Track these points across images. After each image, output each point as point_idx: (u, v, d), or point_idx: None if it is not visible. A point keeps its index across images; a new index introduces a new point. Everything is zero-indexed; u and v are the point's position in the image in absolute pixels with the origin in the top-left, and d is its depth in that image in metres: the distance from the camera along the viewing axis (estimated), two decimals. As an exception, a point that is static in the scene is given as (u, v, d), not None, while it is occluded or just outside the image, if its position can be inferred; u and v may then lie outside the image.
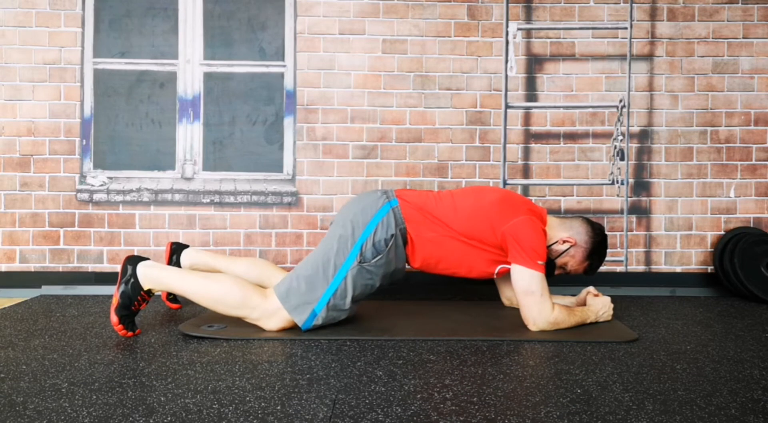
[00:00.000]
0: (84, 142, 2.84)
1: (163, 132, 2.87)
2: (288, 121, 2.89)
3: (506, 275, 2.16)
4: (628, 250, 2.90)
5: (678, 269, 2.90)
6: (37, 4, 2.82)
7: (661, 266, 2.90)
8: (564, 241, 2.14)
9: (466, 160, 2.89)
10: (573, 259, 2.16)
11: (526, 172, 2.90)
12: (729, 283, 2.76)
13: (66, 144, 2.83)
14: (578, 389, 1.49)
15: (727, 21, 2.89)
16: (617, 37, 2.89)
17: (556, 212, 2.87)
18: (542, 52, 2.90)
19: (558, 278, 2.22)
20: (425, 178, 2.89)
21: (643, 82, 2.90)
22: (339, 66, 2.88)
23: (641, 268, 2.90)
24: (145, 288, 1.93)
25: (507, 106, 2.89)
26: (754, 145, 2.90)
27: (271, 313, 1.97)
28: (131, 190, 2.84)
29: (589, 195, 2.90)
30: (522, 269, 1.99)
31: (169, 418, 1.28)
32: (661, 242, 2.90)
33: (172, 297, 2.39)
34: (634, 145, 2.90)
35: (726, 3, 2.88)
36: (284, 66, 2.89)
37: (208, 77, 2.88)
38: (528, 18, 2.89)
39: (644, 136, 2.90)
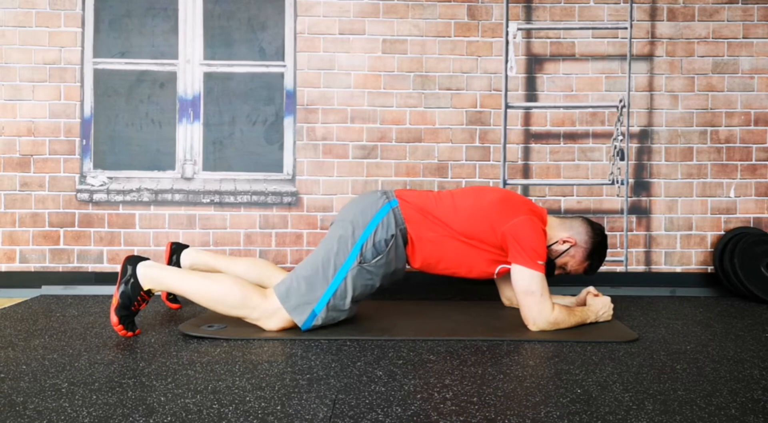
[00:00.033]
0: (84, 142, 2.84)
1: (163, 132, 2.87)
2: (288, 121, 2.89)
3: (506, 275, 2.16)
4: (628, 250, 2.90)
5: (678, 269, 2.90)
6: (37, 4, 2.82)
7: (661, 266, 2.90)
8: (564, 241, 2.14)
9: (466, 160, 2.89)
10: (573, 259, 2.16)
11: (526, 172, 2.90)
12: (729, 283, 2.76)
13: (66, 144, 2.83)
14: (578, 389, 1.49)
15: (727, 21, 2.89)
16: (617, 37, 2.89)
17: (556, 212, 2.87)
18: (542, 52, 2.90)
19: (558, 278, 2.22)
20: (425, 178, 2.89)
21: (643, 82, 2.90)
22: (339, 66, 2.88)
23: (641, 268, 2.90)
24: (145, 288, 1.93)
25: (507, 106, 2.89)
26: (754, 145, 2.90)
27: (271, 313, 1.97)
28: (131, 190, 2.85)
29: (589, 195, 2.90)
30: (522, 269, 1.99)
31: (169, 418, 1.28)
32: (661, 242, 2.90)
33: (172, 297, 2.39)
34: (634, 145, 2.90)
35: (726, 3, 2.88)
36: (284, 66, 2.89)
37: (208, 77, 2.88)
38: (528, 18, 2.89)
39: (644, 136, 2.90)
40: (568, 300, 2.31)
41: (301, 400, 1.40)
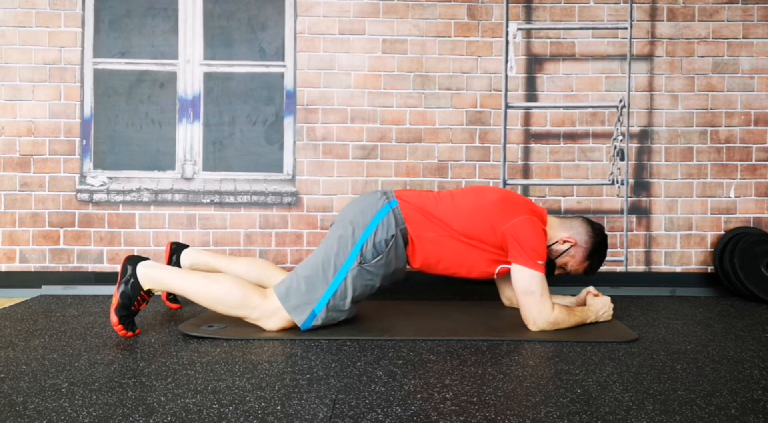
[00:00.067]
0: (84, 142, 2.84)
1: (163, 132, 2.87)
2: (288, 121, 2.89)
3: (506, 275, 2.16)
4: (628, 250, 2.90)
5: (678, 269, 2.90)
6: (37, 4, 2.82)
7: (661, 266, 2.90)
8: (564, 241, 2.14)
9: (466, 160, 2.89)
10: (573, 259, 2.16)
11: (526, 172, 2.90)
12: (729, 283, 2.76)
13: (66, 144, 2.83)
14: (578, 389, 1.49)
15: (727, 21, 2.89)
16: (617, 37, 2.89)
17: (556, 212, 2.87)
18: (542, 52, 2.90)
19: (558, 278, 2.22)
20: (425, 178, 2.89)
21: (643, 82, 2.90)
22: (339, 66, 2.88)
23: (641, 268, 2.90)
24: (145, 288, 1.93)
25: (507, 106, 2.89)
26: (754, 145, 2.90)
27: (271, 313, 1.97)
28: (131, 190, 2.85)
29: (589, 195, 2.90)
30: (522, 269, 1.99)
31: (169, 418, 1.28)
32: (661, 242, 2.90)
33: (172, 297, 2.39)
34: (634, 145, 2.90)
35: (726, 3, 2.88)
36: (284, 66, 2.89)
37: (208, 77, 2.88)
38: (528, 18, 2.89)
39: (644, 136, 2.90)
40: (568, 300, 2.31)
41: (301, 400, 1.40)
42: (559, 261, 2.16)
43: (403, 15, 2.87)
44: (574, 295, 2.32)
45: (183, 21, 2.88)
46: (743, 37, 2.89)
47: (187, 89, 2.88)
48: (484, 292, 2.65)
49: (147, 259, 1.99)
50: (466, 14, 2.88)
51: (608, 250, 2.26)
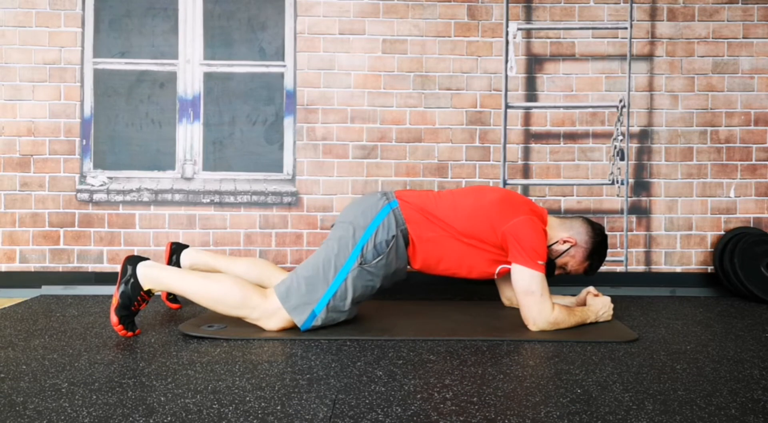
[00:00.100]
0: (84, 142, 2.84)
1: (163, 132, 2.87)
2: (288, 121, 2.89)
3: (506, 275, 2.16)
4: (628, 250, 2.90)
5: (678, 269, 2.90)
6: (37, 4, 2.82)
7: (661, 266, 2.90)
8: (564, 242, 2.14)
9: (466, 160, 2.89)
10: (573, 260, 2.16)
11: (526, 172, 2.90)
12: (729, 283, 2.76)
13: (66, 144, 2.83)
14: (578, 389, 1.49)
15: (727, 21, 2.89)
16: (617, 37, 2.89)
17: (556, 212, 2.87)
18: (542, 52, 2.90)
19: (558, 278, 2.22)
20: (425, 178, 2.89)
21: (643, 82, 2.90)
22: (339, 66, 2.88)
23: (641, 268, 2.90)
24: (145, 288, 1.93)
25: (507, 106, 2.89)
26: (754, 145, 2.90)
27: (271, 313, 1.97)
28: (131, 190, 2.85)
29: (589, 195, 2.90)
30: (522, 269, 1.99)
31: (169, 418, 1.28)
32: (661, 242, 2.90)
33: (172, 297, 2.39)
34: (634, 145, 2.90)
35: (726, 3, 2.88)
36: (284, 66, 2.89)
37: (208, 77, 2.88)
38: (528, 18, 2.89)
39: (644, 136, 2.90)
40: (568, 300, 2.31)
41: (301, 400, 1.40)
42: (559, 261, 2.16)
43: (403, 15, 2.87)
44: (574, 295, 2.32)
45: (183, 21, 2.88)
46: (743, 37, 2.89)
47: (187, 89, 2.88)
48: (484, 292, 2.65)
49: (147, 259, 1.99)
50: (466, 14, 2.88)
51: (608, 250, 2.25)
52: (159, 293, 2.44)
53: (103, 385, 1.49)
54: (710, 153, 2.90)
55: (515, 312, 2.21)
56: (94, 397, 1.41)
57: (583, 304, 2.21)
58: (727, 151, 2.90)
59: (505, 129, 2.89)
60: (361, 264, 1.99)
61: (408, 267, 2.14)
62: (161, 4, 2.86)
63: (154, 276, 1.94)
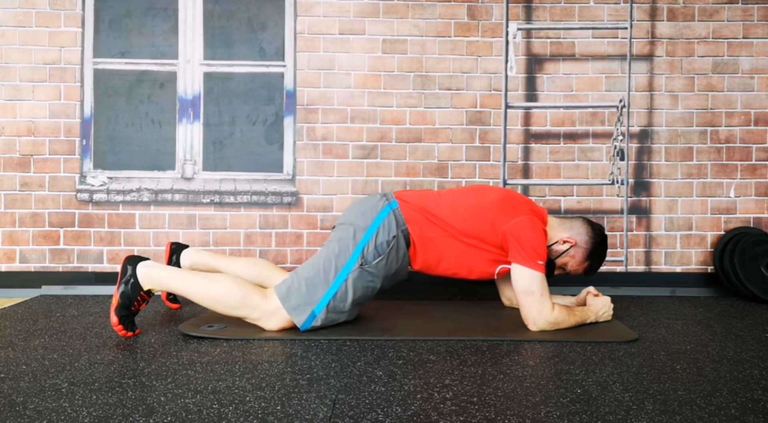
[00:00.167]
0: (84, 142, 2.84)
1: (163, 132, 2.87)
2: (288, 121, 2.89)
3: (506, 275, 2.16)
4: (628, 250, 2.90)
5: (678, 269, 2.90)
6: (37, 4, 2.82)
7: (661, 266, 2.90)
8: (564, 242, 2.14)
9: (466, 160, 2.89)
10: (573, 260, 2.16)
11: (526, 172, 2.90)
12: (729, 283, 2.76)
13: (66, 144, 2.83)
14: (578, 389, 1.49)
15: (727, 21, 2.89)
16: (617, 37, 2.89)
17: (556, 212, 2.87)
18: (542, 52, 2.90)
19: (558, 278, 2.22)
20: (425, 178, 2.89)
21: (643, 82, 2.90)
22: (339, 66, 2.88)
23: (641, 268, 2.90)
24: (145, 288, 1.93)
25: (507, 106, 2.89)
26: (754, 145, 2.90)
27: (271, 313, 1.97)
28: (131, 190, 2.85)
29: (589, 195, 2.90)
30: (522, 269, 1.99)
31: (169, 418, 1.28)
32: (661, 242, 2.90)
33: (172, 297, 2.39)
34: (634, 145, 2.90)
35: (726, 3, 2.88)
36: (284, 66, 2.89)
37: (208, 77, 2.88)
38: (528, 18, 2.89)
39: (644, 136, 2.90)
40: (568, 300, 2.31)
41: (301, 400, 1.40)
42: (559, 261, 2.16)
43: (403, 15, 2.87)
44: (574, 295, 2.32)
45: (183, 21, 2.88)
46: (743, 37, 2.89)
47: (187, 89, 2.88)
48: (484, 292, 2.65)
49: (147, 259, 1.99)
50: (466, 14, 2.88)
51: (608, 250, 2.26)
52: (159, 293, 2.44)
53: (103, 385, 1.49)
54: (710, 153, 2.90)
55: (515, 312, 2.21)
56: (94, 397, 1.41)
57: (583, 304, 2.21)
58: (727, 151, 2.90)
59: (505, 129, 2.89)
60: (361, 265, 1.99)
61: (408, 267, 2.14)
62: (161, 4, 2.86)
63: (154, 276, 1.94)
